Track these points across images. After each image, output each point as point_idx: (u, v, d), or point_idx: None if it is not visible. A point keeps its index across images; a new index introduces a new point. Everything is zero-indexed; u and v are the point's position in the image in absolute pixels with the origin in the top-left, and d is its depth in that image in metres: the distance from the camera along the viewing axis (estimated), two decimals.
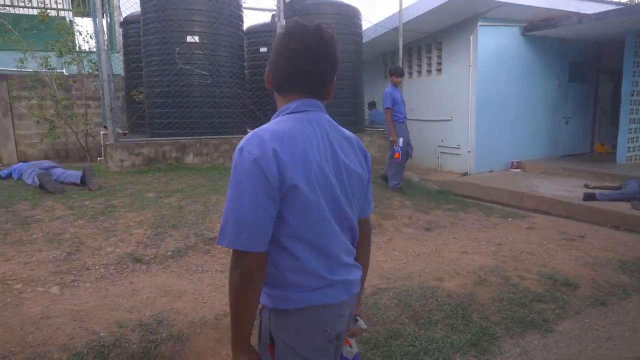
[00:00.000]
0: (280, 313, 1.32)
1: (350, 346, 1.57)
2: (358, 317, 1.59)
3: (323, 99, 1.41)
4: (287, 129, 1.27)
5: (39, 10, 7.41)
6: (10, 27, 7.03)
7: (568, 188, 7.21)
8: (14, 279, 3.15)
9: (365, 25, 8.89)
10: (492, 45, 8.87)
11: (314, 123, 1.32)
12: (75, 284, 3.15)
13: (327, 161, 1.31)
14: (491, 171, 9.20)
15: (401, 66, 8.66)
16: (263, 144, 1.21)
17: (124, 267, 3.48)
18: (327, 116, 1.39)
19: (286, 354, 1.32)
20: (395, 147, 6.29)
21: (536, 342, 2.88)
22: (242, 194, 1.20)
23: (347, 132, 1.46)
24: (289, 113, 1.34)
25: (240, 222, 1.19)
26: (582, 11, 8.74)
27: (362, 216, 1.52)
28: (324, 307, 1.32)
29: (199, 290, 3.18)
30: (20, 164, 6.14)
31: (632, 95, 8.88)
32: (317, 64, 1.32)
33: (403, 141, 6.28)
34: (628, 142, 9.00)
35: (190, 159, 6.95)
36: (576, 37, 9.73)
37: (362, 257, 1.54)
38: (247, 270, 1.22)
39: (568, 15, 8.70)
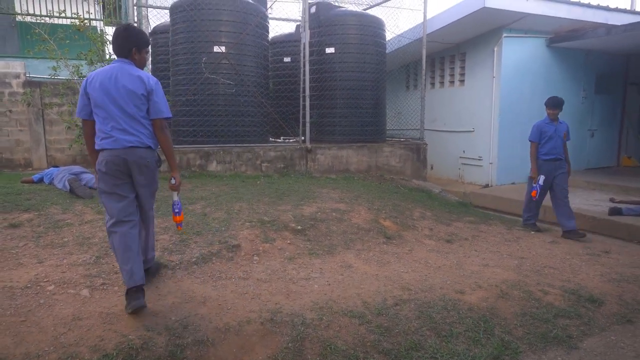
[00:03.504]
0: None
1: (173, 196, 3.20)
2: (173, 178, 3.12)
3: (130, 59, 3.02)
4: (102, 69, 3.00)
5: (71, 21, 7.69)
6: (46, 36, 7.30)
7: (592, 202, 7.10)
8: (46, 281, 3.26)
9: (389, 36, 8.94)
10: (517, 56, 8.82)
11: (112, 67, 2.98)
12: (105, 287, 3.25)
13: (110, 81, 2.91)
14: (513, 183, 9.11)
15: (424, 77, 8.68)
16: (88, 77, 2.98)
17: None
18: (123, 65, 2.99)
19: (98, 169, 2.97)
20: (534, 185, 5.64)
21: (559, 359, 2.85)
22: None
23: (135, 72, 2.97)
24: (111, 64, 3.02)
25: (78, 105, 3.04)
26: (610, 22, 8.63)
27: (152, 117, 3.02)
28: (104, 149, 2.92)
29: (222, 296, 3.25)
30: (52, 168, 6.34)
31: None
32: (117, 42, 3.01)
33: (543, 179, 5.61)
34: None
35: (213, 166, 7.08)
36: (604, 49, 9.61)
37: (159, 143, 3.11)
38: (82, 124, 3.13)
39: (596, 26, 8.60)
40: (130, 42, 3.00)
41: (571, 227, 5.45)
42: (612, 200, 6.95)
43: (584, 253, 4.79)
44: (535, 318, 3.25)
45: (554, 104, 5.61)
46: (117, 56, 3.03)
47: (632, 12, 9.54)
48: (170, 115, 3.11)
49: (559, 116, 5.74)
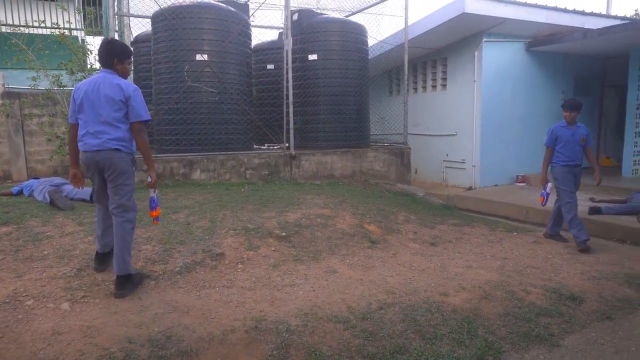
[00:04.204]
0: None
1: (150, 193, 3.52)
2: (149, 176, 3.42)
3: (113, 69, 3.39)
4: (88, 79, 3.38)
5: (51, 30, 7.61)
6: (24, 46, 7.21)
7: None
8: (25, 295, 3.21)
9: (371, 42, 9.01)
10: (497, 60, 8.96)
11: (97, 77, 3.35)
12: (86, 300, 3.21)
13: (94, 90, 3.28)
14: (496, 185, 9.22)
15: (406, 82, 8.75)
16: (76, 86, 3.42)
17: None
18: (106, 74, 3.35)
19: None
20: (542, 191, 5.41)
21: (542, 357, 2.88)
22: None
23: (116, 81, 3.31)
24: (97, 74, 3.41)
25: (69, 111, 3.48)
26: (586, 26, 8.80)
27: (130, 120, 3.33)
28: (81, 150, 3.38)
29: (206, 306, 3.23)
30: (32, 180, 6.23)
31: (638, 108, 8.91)
32: (101, 55, 3.38)
33: (551, 187, 5.35)
34: (633, 155, 9.02)
35: (197, 175, 7.05)
36: (581, 52, 9.81)
37: (137, 145, 3.42)
38: (69, 128, 3.51)
39: (572, 30, 8.78)
40: (112, 54, 3.37)
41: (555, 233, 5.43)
42: (592, 199, 7.07)
43: (565, 252, 4.86)
44: (517, 318, 3.29)
45: (571, 106, 5.18)
46: (102, 67, 3.43)
47: (607, 16, 9.76)
48: (149, 117, 3.41)
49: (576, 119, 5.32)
